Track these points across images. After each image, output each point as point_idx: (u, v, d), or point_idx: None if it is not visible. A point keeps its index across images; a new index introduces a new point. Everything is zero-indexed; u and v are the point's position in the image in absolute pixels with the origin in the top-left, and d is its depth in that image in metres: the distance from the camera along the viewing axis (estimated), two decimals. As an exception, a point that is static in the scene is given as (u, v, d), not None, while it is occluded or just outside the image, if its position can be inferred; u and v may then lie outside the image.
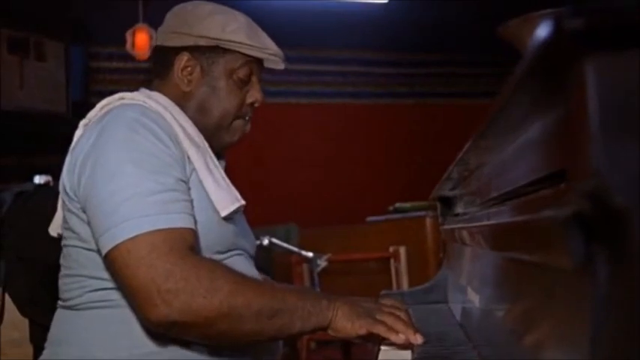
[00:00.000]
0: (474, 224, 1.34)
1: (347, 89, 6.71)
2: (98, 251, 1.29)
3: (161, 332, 1.25)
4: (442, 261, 2.16)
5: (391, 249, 4.15)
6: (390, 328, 1.26)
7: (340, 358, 4.29)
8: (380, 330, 1.26)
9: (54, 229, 1.48)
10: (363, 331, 1.28)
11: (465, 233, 1.48)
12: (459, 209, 1.89)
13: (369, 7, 5.82)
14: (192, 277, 1.19)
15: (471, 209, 1.59)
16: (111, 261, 1.23)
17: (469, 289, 1.38)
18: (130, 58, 5.07)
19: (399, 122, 6.70)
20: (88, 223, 1.30)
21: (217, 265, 1.28)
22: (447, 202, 2.08)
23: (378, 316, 1.29)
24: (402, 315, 1.30)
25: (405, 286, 4.01)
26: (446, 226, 2.07)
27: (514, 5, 2.25)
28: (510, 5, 2.62)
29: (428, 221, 4.06)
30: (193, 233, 1.28)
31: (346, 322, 1.28)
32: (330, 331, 1.30)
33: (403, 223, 4.25)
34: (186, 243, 1.24)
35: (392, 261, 4.16)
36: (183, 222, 1.26)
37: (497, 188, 1.11)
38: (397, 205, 4.48)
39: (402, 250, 4.12)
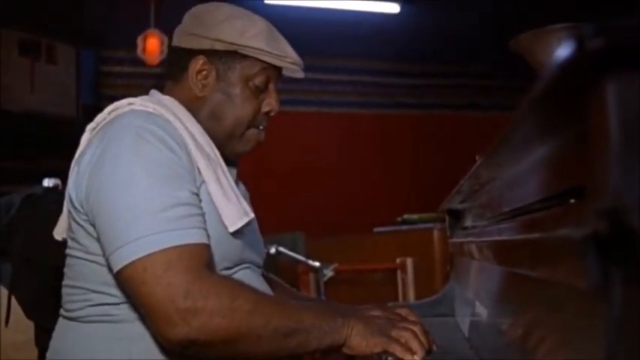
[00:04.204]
0: (484, 239, 1.33)
1: (356, 99, 6.70)
2: (104, 265, 1.26)
3: (178, 351, 1.21)
4: (449, 274, 2.15)
5: (398, 260, 4.13)
6: (406, 348, 1.23)
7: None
8: (396, 349, 1.23)
9: (58, 234, 1.45)
10: (377, 349, 1.26)
11: (474, 247, 1.48)
12: (468, 222, 1.88)
13: (380, 18, 5.82)
14: (212, 297, 1.16)
15: (480, 223, 1.59)
16: (125, 278, 1.20)
17: (477, 304, 1.38)
18: (140, 62, 5.07)
19: (407, 133, 6.68)
20: (97, 238, 1.26)
21: (235, 283, 1.26)
22: (456, 215, 2.08)
23: (393, 333, 1.26)
24: (417, 329, 1.27)
25: (411, 298, 3.99)
26: (454, 239, 2.07)
27: (525, 18, 2.25)
28: (521, 18, 2.62)
29: (435, 233, 4.04)
30: (208, 248, 1.25)
31: (361, 341, 1.26)
32: (345, 349, 1.28)
33: (410, 235, 4.22)
34: (202, 259, 1.21)
35: (399, 272, 4.14)
36: (198, 237, 1.23)
37: (509, 203, 1.10)
38: (405, 216, 4.46)
39: (409, 261, 4.10)
